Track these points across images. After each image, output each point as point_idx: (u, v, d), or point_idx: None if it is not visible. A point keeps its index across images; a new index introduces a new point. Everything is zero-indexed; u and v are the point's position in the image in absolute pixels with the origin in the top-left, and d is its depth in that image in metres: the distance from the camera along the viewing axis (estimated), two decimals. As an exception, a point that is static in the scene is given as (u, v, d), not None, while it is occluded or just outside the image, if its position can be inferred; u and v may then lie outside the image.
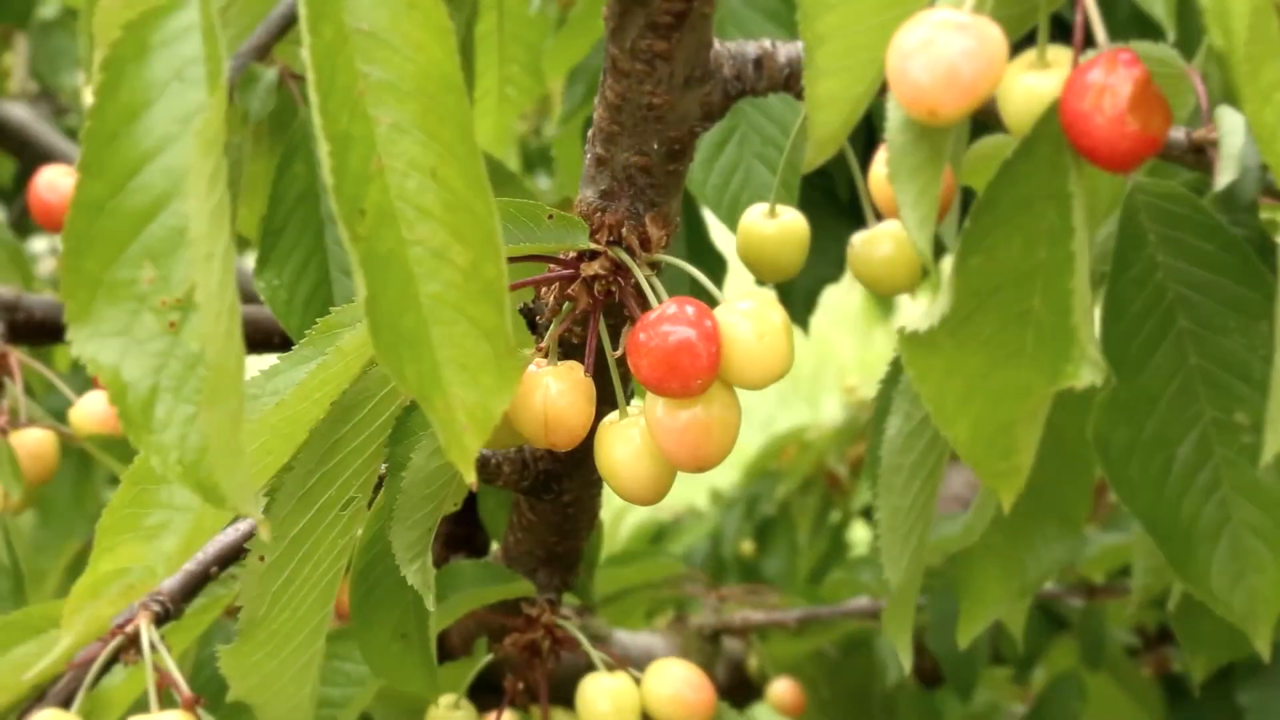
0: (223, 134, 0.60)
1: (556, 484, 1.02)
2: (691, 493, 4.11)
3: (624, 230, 0.83)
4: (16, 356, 1.17)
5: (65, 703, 0.88)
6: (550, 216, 0.81)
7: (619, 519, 3.02)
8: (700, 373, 0.77)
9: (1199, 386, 0.80)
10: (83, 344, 0.62)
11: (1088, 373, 0.69)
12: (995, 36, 0.65)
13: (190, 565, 0.92)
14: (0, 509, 1.11)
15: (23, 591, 1.11)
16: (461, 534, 1.39)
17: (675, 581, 1.90)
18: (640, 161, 0.83)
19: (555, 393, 0.82)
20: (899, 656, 0.92)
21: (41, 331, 1.24)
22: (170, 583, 0.91)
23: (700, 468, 0.80)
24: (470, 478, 0.64)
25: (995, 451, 0.73)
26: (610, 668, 1.09)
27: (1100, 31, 0.67)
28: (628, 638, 1.70)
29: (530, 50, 1.39)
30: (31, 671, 0.82)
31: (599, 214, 0.83)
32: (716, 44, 0.83)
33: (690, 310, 0.78)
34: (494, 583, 1.09)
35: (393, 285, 0.62)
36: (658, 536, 2.97)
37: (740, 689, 1.86)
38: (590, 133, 0.85)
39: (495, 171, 1.25)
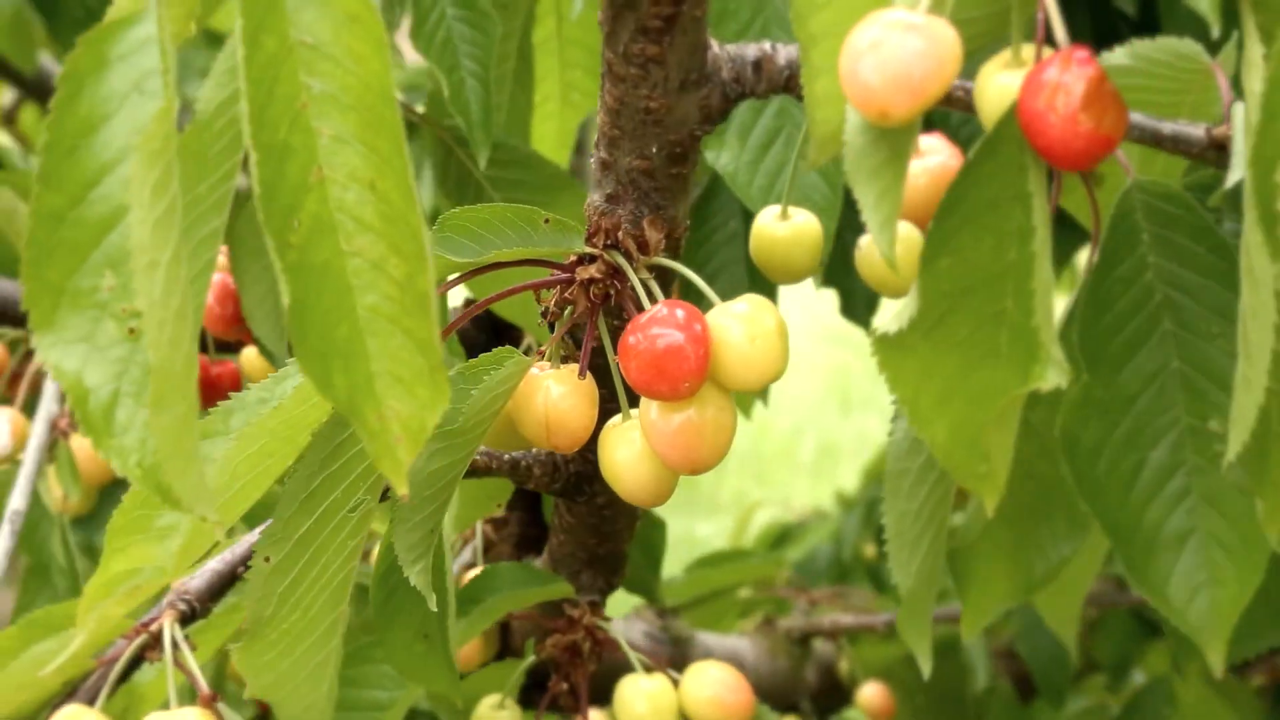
0: (171, 145, 0.62)
1: (589, 486, 1.03)
2: (820, 494, 4.09)
3: (620, 234, 0.83)
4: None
5: (93, 699, 0.91)
6: (546, 221, 0.82)
7: (746, 520, 3.03)
8: (687, 376, 0.77)
9: (1178, 391, 0.79)
10: (47, 350, 0.64)
11: (1054, 375, 0.68)
12: (947, 37, 0.64)
13: (217, 565, 0.94)
14: (59, 509, 1.15)
15: (78, 590, 1.14)
16: (532, 535, 1.40)
17: (767, 584, 1.90)
18: (642, 165, 0.84)
19: (556, 395, 0.83)
20: (918, 660, 0.91)
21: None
22: (197, 582, 0.93)
23: (694, 470, 0.81)
24: (402, 489, 0.65)
25: (975, 454, 0.72)
26: (649, 669, 1.10)
27: (1060, 29, 0.66)
28: (713, 640, 1.70)
29: (591, 54, 1.40)
30: (48, 668, 0.84)
31: (597, 218, 0.84)
32: (715, 47, 0.83)
33: (680, 314, 0.78)
34: (532, 585, 1.10)
35: (327, 295, 0.63)
36: (782, 538, 2.97)
37: (831, 692, 1.85)
38: (596, 138, 0.86)
39: (553, 176, 1.26)
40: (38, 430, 1.13)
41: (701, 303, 0.82)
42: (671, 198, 0.86)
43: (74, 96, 0.63)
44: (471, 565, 1.26)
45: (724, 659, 1.71)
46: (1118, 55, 0.89)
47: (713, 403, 0.80)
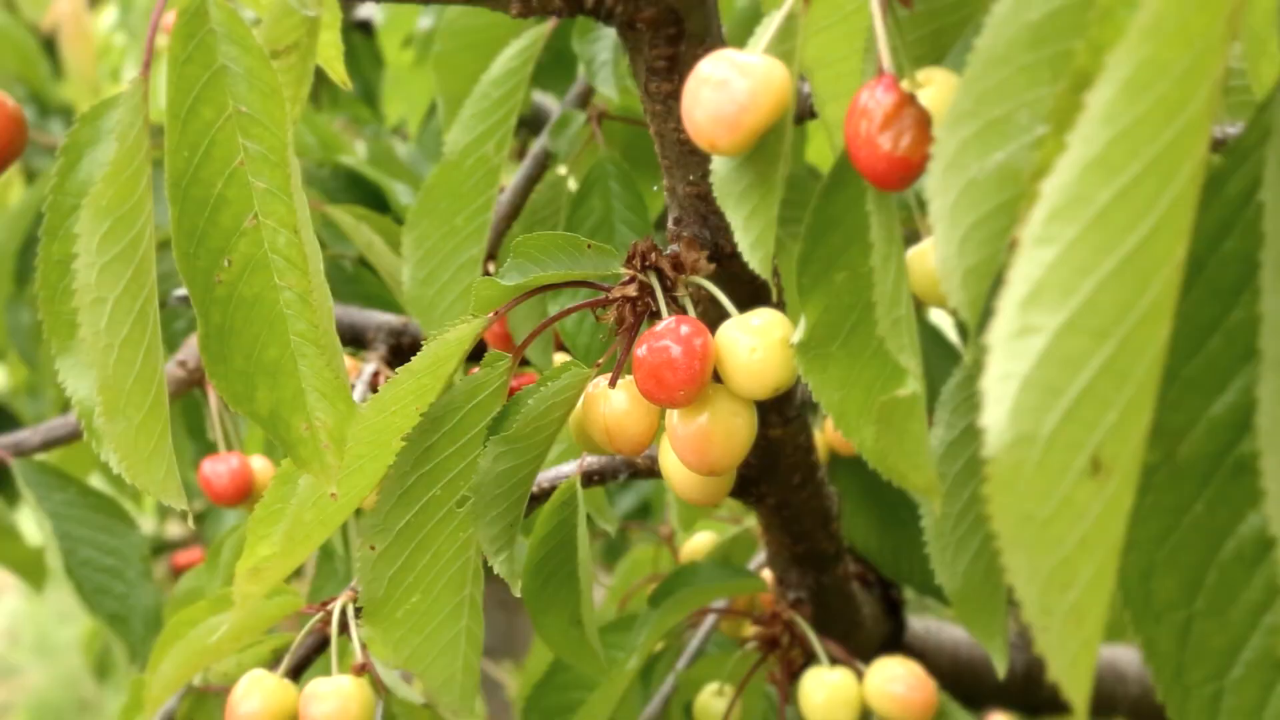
0: (126, 201, 0.75)
1: (754, 488, 1.09)
2: None
3: (654, 256, 0.90)
4: (385, 375, 1.37)
5: (295, 669, 1.06)
6: (589, 247, 0.91)
7: None
8: (681, 385, 0.84)
9: None
10: (66, 373, 0.79)
11: (910, 383, 0.71)
12: (768, 76, 0.69)
13: (395, 553, 1.08)
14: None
15: (351, 575, 1.31)
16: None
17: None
18: (693, 190, 0.91)
19: (615, 404, 0.91)
20: (994, 659, 0.93)
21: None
22: (378, 567, 1.07)
23: (710, 471, 0.87)
24: (331, 488, 0.76)
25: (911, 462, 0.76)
26: (835, 662, 1.15)
27: (886, 57, 0.69)
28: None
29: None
30: (214, 637, 1.00)
31: (634, 243, 0.91)
32: (740, 78, 0.89)
33: (684, 329, 0.85)
34: (725, 580, 1.17)
35: (256, 323, 0.75)
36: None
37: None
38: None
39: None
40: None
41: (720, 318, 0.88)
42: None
43: (74, 164, 0.78)
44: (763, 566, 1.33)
45: (1099, 668, 1.71)
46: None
47: (725, 409, 0.86)
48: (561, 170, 1.36)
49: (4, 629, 5.36)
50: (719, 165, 0.74)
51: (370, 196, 1.69)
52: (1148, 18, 0.48)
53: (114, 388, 0.75)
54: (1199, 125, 0.50)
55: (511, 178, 1.39)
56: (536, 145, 1.36)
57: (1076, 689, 0.52)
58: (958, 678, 1.63)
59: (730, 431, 0.86)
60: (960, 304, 0.60)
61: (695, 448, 0.86)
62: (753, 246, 0.73)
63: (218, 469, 1.35)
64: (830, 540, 1.18)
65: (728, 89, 0.69)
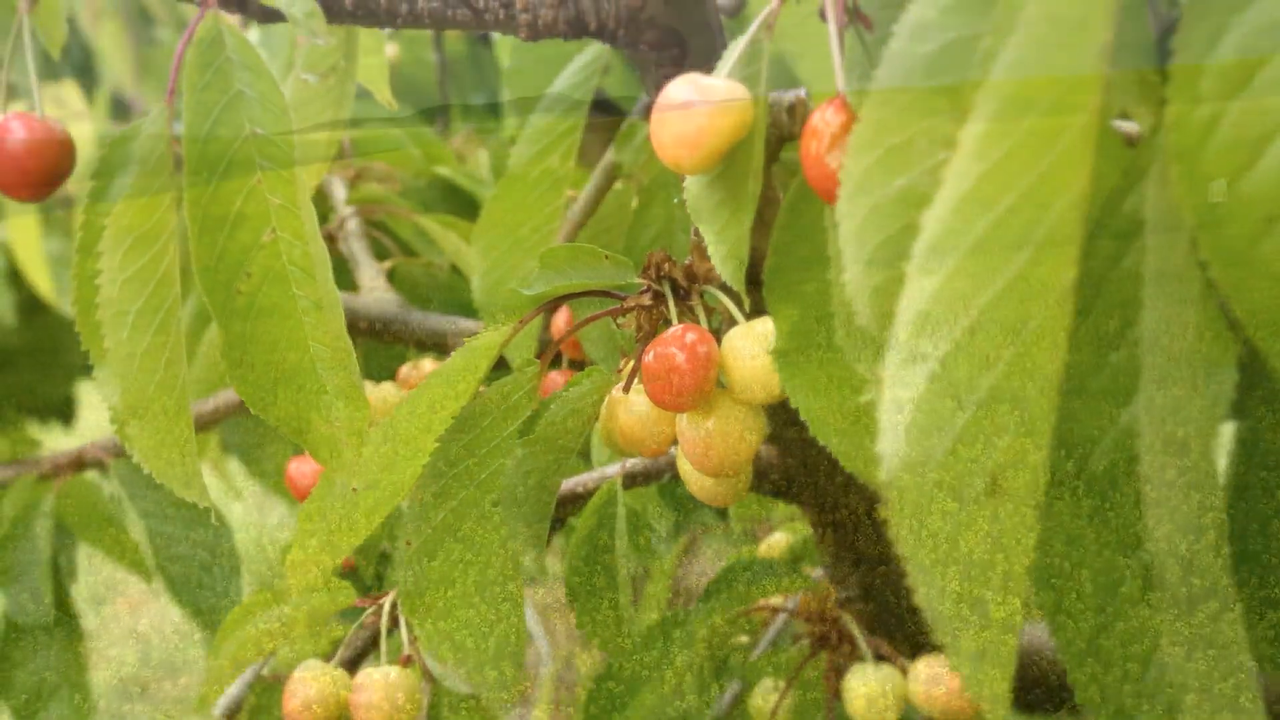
0: (147, 221, 0.81)
1: (796, 489, 1.13)
2: None
3: (667, 266, 0.94)
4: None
5: (352, 660, 1.12)
6: (606, 258, 0.95)
7: None
8: (684, 390, 0.87)
9: None
10: (101, 381, 0.85)
11: (869, 390, 0.74)
12: (729, 97, 0.73)
13: (449, 549, 1.13)
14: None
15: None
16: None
17: None
18: (708, 204, 0.95)
19: (634, 408, 0.95)
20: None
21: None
22: (432, 563, 1.12)
23: (716, 473, 0.91)
24: (354, 484, 0.81)
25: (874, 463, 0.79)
26: (880, 659, 1.18)
27: (840, 77, 0.72)
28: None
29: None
30: (265, 627, 1.06)
31: (649, 254, 0.95)
32: (750, 94, 0.93)
33: (690, 336, 0.88)
34: (774, 576, 1.20)
35: (275, 330, 0.80)
36: None
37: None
38: (685, 181, 0.97)
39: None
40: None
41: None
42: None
43: (105, 187, 0.84)
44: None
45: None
46: None
47: (731, 414, 0.89)
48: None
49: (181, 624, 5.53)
50: (691, 183, 0.78)
51: (466, 205, 1.74)
52: (1012, 55, 0.51)
53: (136, 394, 0.80)
54: (1075, 156, 0.52)
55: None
56: (606, 157, 1.40)
57: (992, 692, 0.54)
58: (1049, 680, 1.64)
59: (735, 435, 0.89)
60: (868, 320, 0.63)
61: (701, 451, 0.90)
62: (724, 260, 0.77)
63: (303, 469, 1.42)
64: (881, 541, 1.21)
65: (690, 112, 0.73)
